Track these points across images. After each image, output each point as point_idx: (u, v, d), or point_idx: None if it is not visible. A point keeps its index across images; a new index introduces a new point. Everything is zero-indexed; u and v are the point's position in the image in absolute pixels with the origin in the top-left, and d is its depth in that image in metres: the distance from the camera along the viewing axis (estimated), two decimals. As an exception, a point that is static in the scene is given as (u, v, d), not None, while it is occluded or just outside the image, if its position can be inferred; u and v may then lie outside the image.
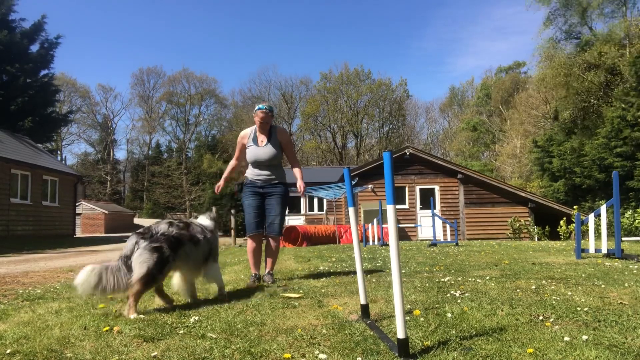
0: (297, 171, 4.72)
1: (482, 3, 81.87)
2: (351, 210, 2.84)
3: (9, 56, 23.38)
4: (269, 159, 4.58)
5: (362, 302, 2.69)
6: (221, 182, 4.72)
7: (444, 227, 16.25)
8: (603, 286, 3.63)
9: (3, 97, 23.21)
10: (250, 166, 4.66)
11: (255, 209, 4.53)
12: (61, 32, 34.03)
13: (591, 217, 6.69)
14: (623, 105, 22.66)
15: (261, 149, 4.59)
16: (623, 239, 7.50)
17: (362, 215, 18.64)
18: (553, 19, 29.61)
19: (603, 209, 6.39)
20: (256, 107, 4.63)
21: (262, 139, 4.60)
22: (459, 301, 3.13)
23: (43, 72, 26.55)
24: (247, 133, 4.70)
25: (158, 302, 3.30)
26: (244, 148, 4.69)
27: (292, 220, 21.77)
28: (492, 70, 53.65)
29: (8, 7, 24.17)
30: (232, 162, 4.83)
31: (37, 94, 25.00)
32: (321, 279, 4.53)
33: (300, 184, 4.57)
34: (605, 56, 25.51)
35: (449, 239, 14.76)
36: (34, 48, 25.86)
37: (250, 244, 4.56)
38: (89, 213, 37.47)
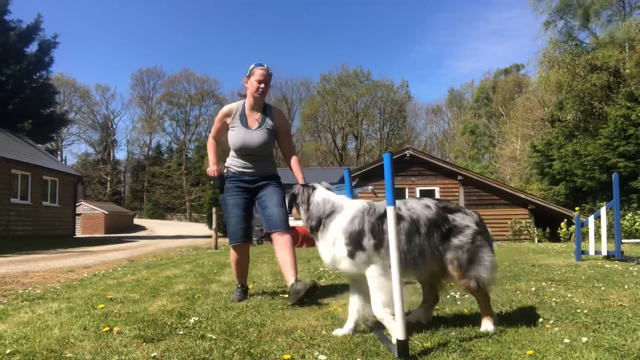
0: (295, 164, 3.58)
1: (480, 7, 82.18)
2: (351, 211, 2.83)
3: (5, 57, 23.36)
4: (261, 147, 3.51)
5: (362, 303, 2.68)
6: (213, 168, 3.54)
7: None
8: (603, 288, 3.62)
9: (1, 98, 23.21)
10: (233, 153, 3.60)
11: (242, 211, 3.51)
12: (60, 33, 34.01)
13: (591, 219, 6.68)
14: (628, 104, 22.53)
15: (251, 134, 3.49)
16: (623, 241, 7.49)
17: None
18: (552, 21, 29.63)
19: (603, 210, 6.38)
20: (251, 66, 3.51)
21: (255, 118, 3.53)
22: (458, 302, 3.13)
23: (41, 73, 26.58)
24: (232, 109, 3.56)
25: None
26: (224, 129, 3.60)
27: (292, 221, 21.72)
28: (491, 72, 53.69)
29: (2, 7, 24.02)
30: (211, 142, 3.67)
31: (35, 95, 24.99)
32: (321, 280, 4.53)
33: (301, 180, 3.38)
34: (607, 58, 25.48)
35: (449, 240, 14.71)
36: (32, 49, 25.90)
37: (234, 255, 3.61)
38: (89, 213, 37.45)
